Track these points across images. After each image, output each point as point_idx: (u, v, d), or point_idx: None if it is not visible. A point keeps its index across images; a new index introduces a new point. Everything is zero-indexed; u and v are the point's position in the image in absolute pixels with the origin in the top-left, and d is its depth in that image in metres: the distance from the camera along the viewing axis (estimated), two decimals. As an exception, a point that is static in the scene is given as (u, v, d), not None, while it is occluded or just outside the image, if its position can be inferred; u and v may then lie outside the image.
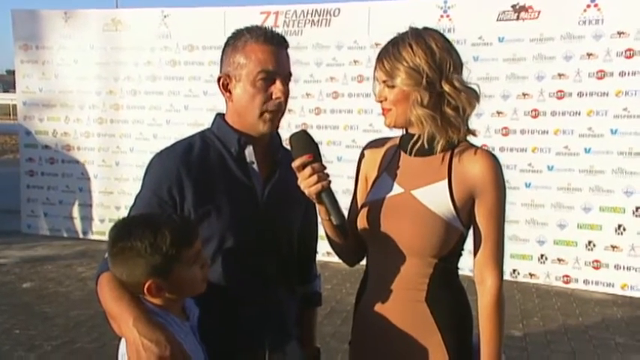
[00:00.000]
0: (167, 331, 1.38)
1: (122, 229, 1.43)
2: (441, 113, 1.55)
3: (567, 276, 5.57)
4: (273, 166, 1.70)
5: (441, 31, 1.62)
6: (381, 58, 1.58)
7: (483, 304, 1.58)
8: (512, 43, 5.54)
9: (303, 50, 6.03)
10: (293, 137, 1.55)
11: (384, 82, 1.58)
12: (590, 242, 5.47)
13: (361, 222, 1.63)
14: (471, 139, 1.63)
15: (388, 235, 1.58)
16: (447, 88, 1.54)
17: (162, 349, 1.33)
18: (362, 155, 1.75)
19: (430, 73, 1.52)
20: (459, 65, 1.57)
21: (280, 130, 1.72)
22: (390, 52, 1.56)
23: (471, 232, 1.61)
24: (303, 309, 1.85)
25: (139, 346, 1.34)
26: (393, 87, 1.56)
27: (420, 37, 1.55)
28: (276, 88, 1.60)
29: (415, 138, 1.59)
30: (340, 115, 6.21)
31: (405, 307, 1.59)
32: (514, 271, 5.67)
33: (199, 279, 1.46)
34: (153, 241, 1.37)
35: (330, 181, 1.51)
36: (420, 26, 1.61)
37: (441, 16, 5.69)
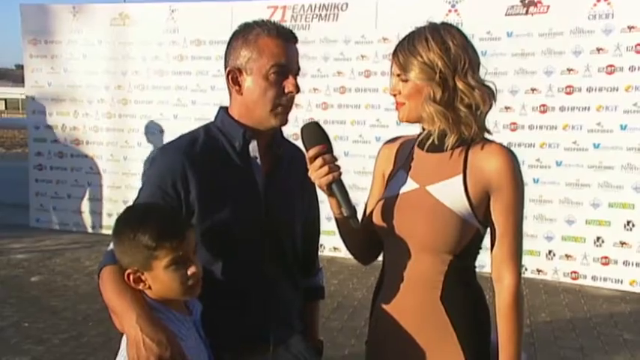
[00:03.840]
0: (169, 331, 1.38)
1: (125, 213, 1.46)
2: (453, 110, 1.53)
3: (575, 272, 5.55)
4: (275, 160, 1.70)
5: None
6: (396, 51, 1.57)
7: (501, 303, 1.54)
8: (520, 38, 5.51)
9: (311, 45, 6.01)
10: (305, 128, 1.54)
11: (398, 75, 1.57)
12: (598, 238, 5.44)
13: (376, 217, 1.62)
14: (486, 136, 1.61)
15: (402, 231, 1.57)
16: (460, 84, 1.52)
17: (162, 350, 1.33)
18: (379, 153, 1.75)
19: (444, 69, 1.51)
20: (475, 63, 1.55)
21: (287, 125, 1.70)
22: (406, 46, 1.55)
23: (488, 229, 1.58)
24: (307, 302, 1.85)
25: (140, 343, 1.34)
26: (406, 81, 1.55)
27: (436, 32, 1.54)
28: (289, 83, 1.59)
29: (425, 134, 1.58)
30: (347, 110, 6.20)
31: (421, 306, 1.57)
32: (522, 266, 5.64)
33: (186, 284, 1.41)
34: (136, 232, 1.38)
35: (340, 172, 1.50)
36: (438, 21, 1.59)
37: (449, 11, 5.66)
